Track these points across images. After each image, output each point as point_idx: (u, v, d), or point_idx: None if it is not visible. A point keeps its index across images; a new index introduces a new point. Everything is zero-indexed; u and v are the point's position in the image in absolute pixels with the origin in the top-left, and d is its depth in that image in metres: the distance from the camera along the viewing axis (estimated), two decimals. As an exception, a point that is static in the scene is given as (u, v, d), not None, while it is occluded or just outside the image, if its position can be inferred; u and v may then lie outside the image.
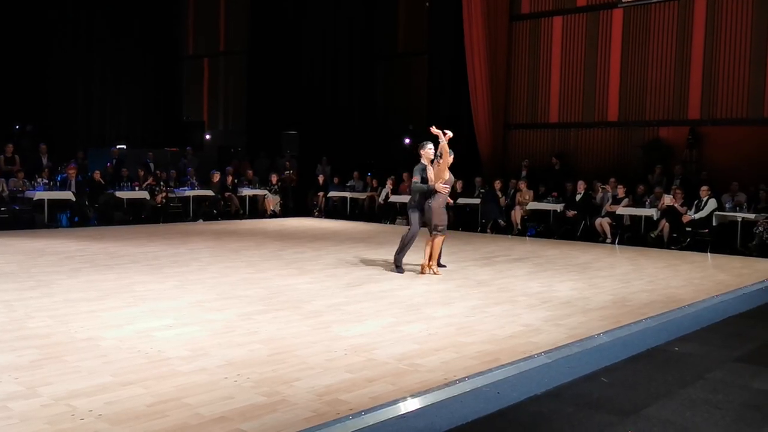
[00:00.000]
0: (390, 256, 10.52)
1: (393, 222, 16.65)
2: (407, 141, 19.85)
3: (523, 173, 16.15)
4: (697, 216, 12.64)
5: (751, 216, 12.27)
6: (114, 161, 17.01)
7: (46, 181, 14.61)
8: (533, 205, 14.84)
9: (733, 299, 7.96)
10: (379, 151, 20.02)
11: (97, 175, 15.42)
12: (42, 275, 8.27)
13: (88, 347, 5.23)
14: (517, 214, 14.74)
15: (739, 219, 12.40)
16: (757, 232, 11.98)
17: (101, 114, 20.65)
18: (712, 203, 12.64)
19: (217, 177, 16.83)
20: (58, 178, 14.96)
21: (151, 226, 14.64)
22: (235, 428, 3.77)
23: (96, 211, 15.03)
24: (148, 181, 16.01)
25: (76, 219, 14.72)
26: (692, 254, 11.95)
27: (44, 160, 15.89)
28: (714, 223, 12.55)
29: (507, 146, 17.60)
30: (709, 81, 14.86)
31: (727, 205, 12.79)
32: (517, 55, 17.65)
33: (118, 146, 18.47)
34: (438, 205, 8.84)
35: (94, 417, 3.86)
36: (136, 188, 15.70)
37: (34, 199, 14.10)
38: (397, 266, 9.18)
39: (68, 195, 14.49)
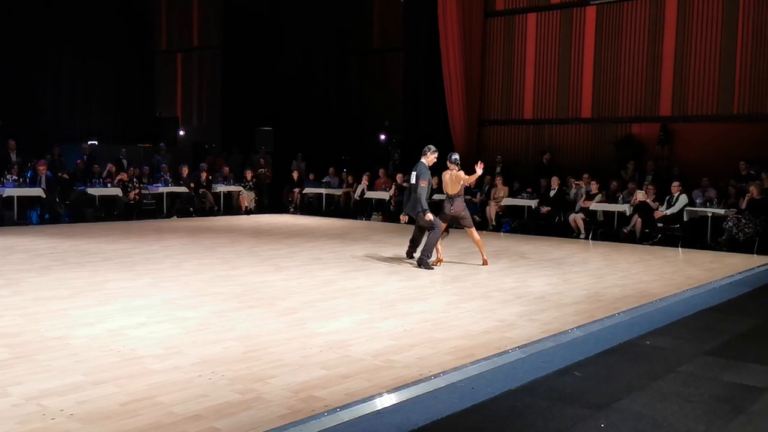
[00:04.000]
0: (365, 252, 10.55)
1: (369, 218, 16.64)
2: (382, 137, 19.87)
3: (498, 169, 16.23)
4: (668, 212, 12.81)
5: (721, 211, 12.47)
6: (85, 157, 16.77)
7: (16, 178, 14.37)
8: (508, 201, 14.93)
9: (704, 293, 8.09)
10: (354, 147, 20.01)
11: (64, 173, 15.17)
12: (11, 273, 8.13)
13: (59, 346, 5.16)
14: (492, 210, 14.82)
15: (710, 214, 12.59)
16: (727, 227, 12.17)
17: (71, 109, 20.31)
18: (683, 199, 12.82)
19: (185, 171, 16.68)
20: (28, 175, 14.72)
21: (123, 223, 14.47)
22: (209, 426, 3.74)
23: (67, 208, 14.81)
24: (120, 177, 15.80)
25: (47, 216, 14.50)
26: (664, 249, 12.11)
27: (13, 157, 15.61)
28: (685, 219, 12.72)
29: (482, 142, 17.68)
30: (680, 78, 15.05)
31: (697, 201, 12.98)
32: (491, 51, 17.73)
33: (89, 142, 18.20)
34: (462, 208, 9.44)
35: (66, 416, 3.81)
36: (109, 185, 15.49)
37: (4, 196, 13.86)
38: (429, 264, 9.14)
39: (38, 192, 14.27)
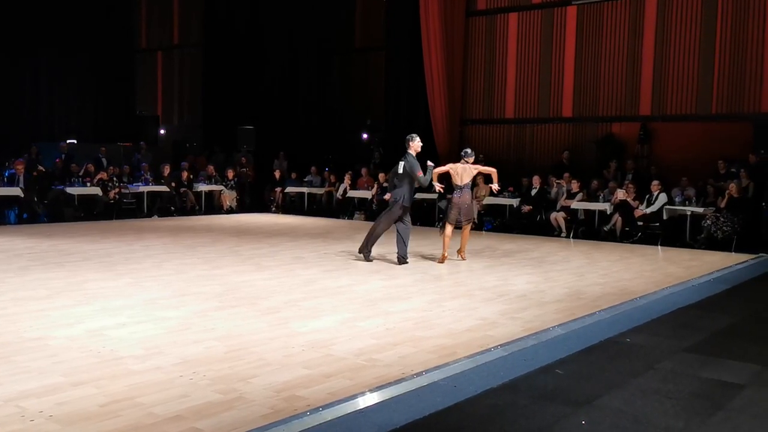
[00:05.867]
0: (348, 251, 10.53)
1: (351, 217, 16.62)
2: (365, 136, 19.85)
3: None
4: (648, 210, 12.92)
5: (700, 210, 12.60)
6: (63, 156, 16.60)
7: (-7, 177, 14.21)
8: (490, 200, 14.97)
9: (683, 291, 8.17)
10: (336, 146, 19.98)
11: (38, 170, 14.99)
12: (-11, 274, 8.03)
13: (38, 347, 5.10)
14: (473, 209, 14.84)
15: (689, 213, 12.72)
16: (706, 225, 12.30)
17: (50, 108, 20.10)
18: (663, 197, 12.94)
19: (167, 170, 16.56)
20: (6, 174, 14.54)
21: (103, 223, 14.34)
22: (190, 427, 3.72)
23: (45, 208, 14.64)
24: (100, 176, 15.65)
25: (25, 216, 14.33)
26: (644, 247, 12.22)
27: (-10, 156, 15.44)
28: (664, 217, 12.85)
29: (464, 141, 17.71)
30: (660, 78, 15.19)
31: (676, 200, 13.11)
32: (473, 50, 17.77)
33: (68, 141, 18.01)
34: (469, 199, 9.89)
35: (45, 418, 3.77)
36: (88, 184, 15.34)
37: (-19, 195, 13.70)
38: (405, 259, 9.44)
39: (16, 191, 14.10)
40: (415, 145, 9.46)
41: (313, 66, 20.37)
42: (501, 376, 4.71)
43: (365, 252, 9.58)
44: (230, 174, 17.77)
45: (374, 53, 19.63)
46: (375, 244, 9.66)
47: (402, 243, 9.38)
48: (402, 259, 9.36)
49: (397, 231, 9.41)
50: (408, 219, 9.52)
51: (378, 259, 9.86)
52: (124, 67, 22.06)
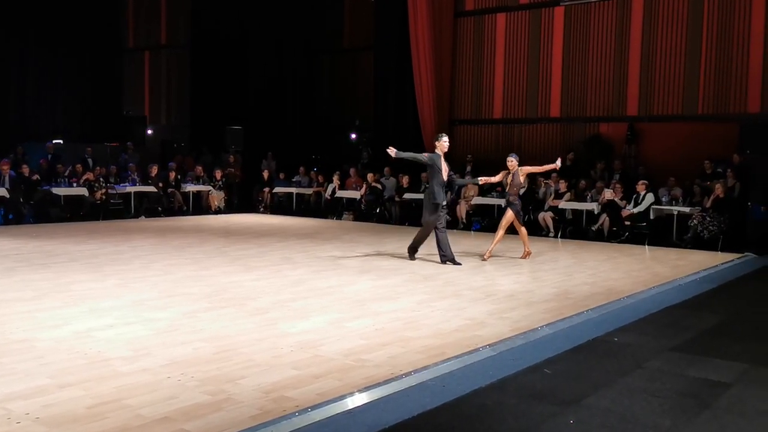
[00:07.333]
0: (336, 251, 10.52)
1: (340, 218, 16.61)
2: (353, 136, 19.85)
3: (468, 169, 16.30)
4: (635, 210, 12.99)
5: (687, 210, 12.69)
6: (49, 157, 16.48)
7: (-22, 178, 14.07)
8: (478, 200, 15.01)
9: (670, 290, 8.23)
10: (325, 146, 19.96)
11: (25, 170, 14.83)
12: (-26, 275, 7.95)
13: (24, 349, 5.06)
14: (462, 209, 14.89)
15: (675, 212, 12.81)
16: (692, 225, 12.38)
17: (36, 107, 19.94)
18: (650, 197, 13.02)
19: (155, 170, 16.48)
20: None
21: (90, 224, 14.25)
22: (178, 428, 3.70)
23: (31, 209, 14.53)
24: (86, 177, 15.55)
25: (11, 216, 14.22)
26: (631, 247, 12.29)
27: (-25, 156, 15.27)
28: (651, 217, 12.92)
29: (452, 141, 17.71)
30: (647, 78, 15.28)
31: (663, 199, 13.19)
32: (461, 51, 17.81)
33: (54, 141, 17.87)
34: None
35: (31, 420, 3.74)
36: (74, 184, 15.23)
37: (-34, 196, 13.57)
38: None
39: (2, 191, 13.99)
40: (440, 144, 9.70)
41: (301, 66, 20.34)
42: (489, 376, 4.72)
43: (450, 257, 9.52)
44: (218, 174, 17.71)
45: (362, 53, 19.63)
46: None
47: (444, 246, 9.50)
48: (452, 262, 9.46)
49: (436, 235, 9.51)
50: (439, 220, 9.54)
51: (366, 259, 9.86)
52: (111, 66, 21.91)
